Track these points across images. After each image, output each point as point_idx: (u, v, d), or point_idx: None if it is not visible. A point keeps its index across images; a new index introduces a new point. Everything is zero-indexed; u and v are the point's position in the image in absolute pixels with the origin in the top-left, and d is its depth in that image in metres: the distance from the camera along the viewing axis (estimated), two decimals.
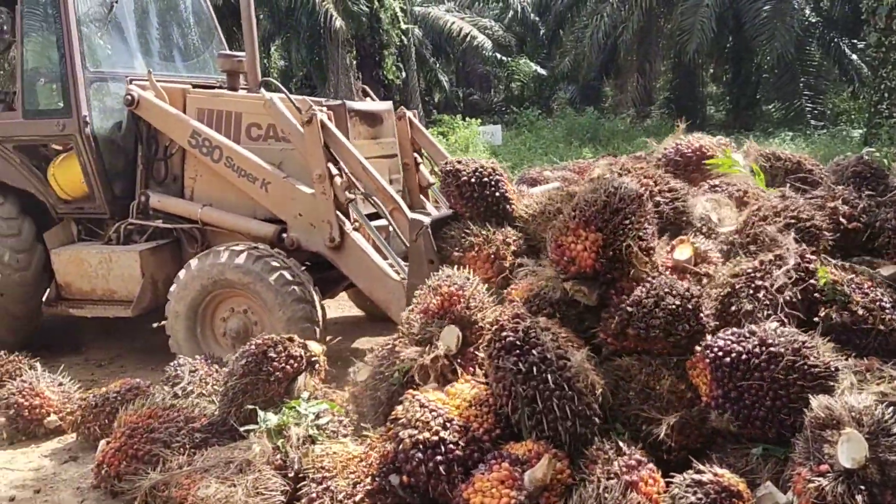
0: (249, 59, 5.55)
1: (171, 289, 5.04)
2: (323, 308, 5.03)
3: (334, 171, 5.00)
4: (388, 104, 6.01)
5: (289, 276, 4.81)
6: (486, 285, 3.59)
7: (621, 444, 2.58)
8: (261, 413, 3.28)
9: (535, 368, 2.63)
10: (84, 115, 5.33)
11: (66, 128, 5.39)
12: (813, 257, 3.03)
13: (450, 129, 18.89)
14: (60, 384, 4.66)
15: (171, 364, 4.41)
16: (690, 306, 2.87)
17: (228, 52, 6.23)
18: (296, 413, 3.27)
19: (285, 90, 5.36)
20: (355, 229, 5.03)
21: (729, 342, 2.63)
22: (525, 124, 21.92)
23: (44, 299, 5.71)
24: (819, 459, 2.28)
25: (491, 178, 4.08)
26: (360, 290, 6.11)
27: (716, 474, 2.39)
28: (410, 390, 2.95)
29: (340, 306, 6.98)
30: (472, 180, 4.07)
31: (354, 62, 20.12)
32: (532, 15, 27.67)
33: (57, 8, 5.36)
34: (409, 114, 6.03)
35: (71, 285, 5.54)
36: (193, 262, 5.00)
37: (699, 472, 2.41)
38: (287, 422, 3.20)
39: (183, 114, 5.43)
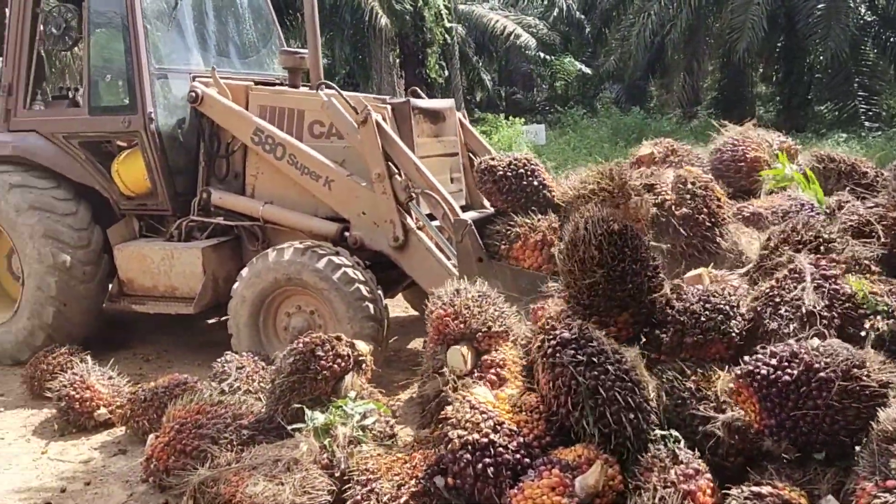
0: (312, 57, 5.59)
1: (243, 272, 5.01)
2: (386, 307, 5.01)
3: (393, 169, 4.95)
4: (451, 102, 5.96)
5: (364, 292, 4.76)
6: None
7: (678, 451, 2.51)
8: (308, 412, 3.27)
9: (594, 359, 2.60)
10: (149, 111, 5.37)
11: (131, 124, 5.43)
12: (830, 263, 2.95)
13: (493, 129, 18.81)
14: (110, 378, 4.73)
15: (219, 360, 4.45)
16: (735, 302, 2.90)
17: (291, 49, 6.25)
18: (342, 413, 3.25)
19: (338, 90, 5.31)
20: (419, 228, 4.98)
21: (771, 369, 2.50)
22: (569, 124, 21.72)
23: (107, 296, 5.77)
24: (886, 474, 2.20)
25: (526, 168, 4.10)
26: (417, 292, 6.08)
27: (776, 487, 2.32)
28: (460, 391, 2.92)
29: (396, 307, 6.94)
30: (509, 173, 4.09)
31: (398, 60, 20.18)
32: (577, 13, 27.42)
33: (123, 4, 5.39)
34: (458, 114, 5.98)
35: (133, 281, 5.59)
36: (271, 253, 4.94)
37: (758, 484, 2.34)
38: (333, 421, 3.19)
39: (246, 111, 5.44)
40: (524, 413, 2.78)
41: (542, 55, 26.22)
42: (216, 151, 5.62)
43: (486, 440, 2.67)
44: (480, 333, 3.14)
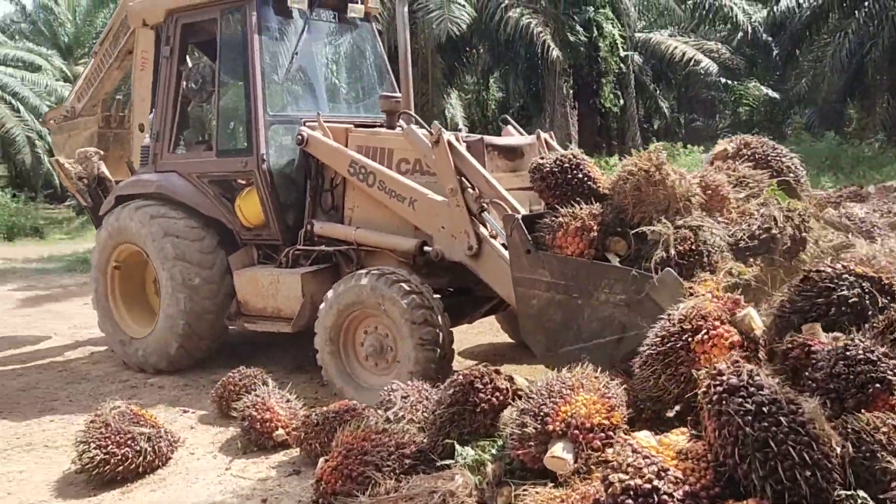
0: (404, 99, 6.34)
1: (326, 297, 5.52)
2: (451, 333, 5.34)
3: (465, 183, 5.33)
4: (532, 138, 6.20)
5: (418, 300, 5.16)
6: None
7: None
8: (458, 447, 3.27)
9: (765, 409, 2.40)
10: (262, 153, 6.04)
11: (247, 165, 6.15)
12: None
13: (670, 157, 18.16)
14: (288, 400, 4.99)
15: (385, 388, 4.57)
16: (871, 347, 2.74)
17: (387, 93, 6.81)
18: (498, 447, 3.22)
19: (420, 120, 6.05)
20: (492, 237, 5.25)
21: None
22: None
23: (227, 315, 6.44)
24: None
25: (571, 162, 4.32)
26: (509, 317, 6.62)
27: None
28: (622, 434, 2.80)
29: (490, 332, 7.09)
30: (555, 169, 4.36)
31: (571, 91, 20.10)
32: (764, 35, 26.02)
33: (245, 59, 6.15)
34: (544, 135, 6.23)
35: (248, 303, 6.27)
36: (346, 281, 5.49)
37: None
38: (484, 458, 3.16)
39: (344, 147, 6.00)
40: (690, 461, 2.60)
41: (723, 80, 25.12)
42: (321, 186, 6.24)
43: (649, 486, 2.52)
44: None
